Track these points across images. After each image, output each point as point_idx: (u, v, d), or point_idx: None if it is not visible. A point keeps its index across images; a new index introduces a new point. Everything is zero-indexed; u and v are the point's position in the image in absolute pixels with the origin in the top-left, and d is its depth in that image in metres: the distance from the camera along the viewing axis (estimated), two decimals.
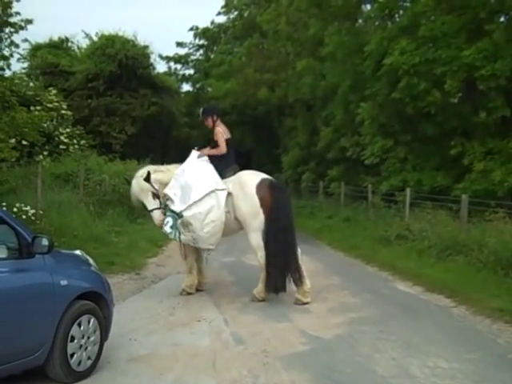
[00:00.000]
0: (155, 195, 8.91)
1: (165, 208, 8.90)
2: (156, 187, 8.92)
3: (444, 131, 16.97)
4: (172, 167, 9.24)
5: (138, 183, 9.06)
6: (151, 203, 8.97)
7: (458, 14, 15.88)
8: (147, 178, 8.87)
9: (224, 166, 8.97)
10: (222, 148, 9.01)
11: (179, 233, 8.62)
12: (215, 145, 9.14)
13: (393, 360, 5.85)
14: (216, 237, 8.63)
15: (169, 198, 8.72)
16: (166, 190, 8.75)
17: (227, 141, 9.11)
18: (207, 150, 9.12)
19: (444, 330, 7.09)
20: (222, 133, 9.08)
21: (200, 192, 8.50)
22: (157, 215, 8.97)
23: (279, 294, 8.46)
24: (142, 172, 9.12)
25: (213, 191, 8.55)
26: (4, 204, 10.44)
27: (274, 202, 8.41)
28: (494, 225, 11.29)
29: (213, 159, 9.01)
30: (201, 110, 9.67)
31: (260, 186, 8.51)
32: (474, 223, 12.16)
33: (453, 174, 16.27)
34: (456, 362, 5.78)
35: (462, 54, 14.71)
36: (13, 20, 14.52)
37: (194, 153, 9.16)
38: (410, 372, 5.49)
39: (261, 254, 8.44)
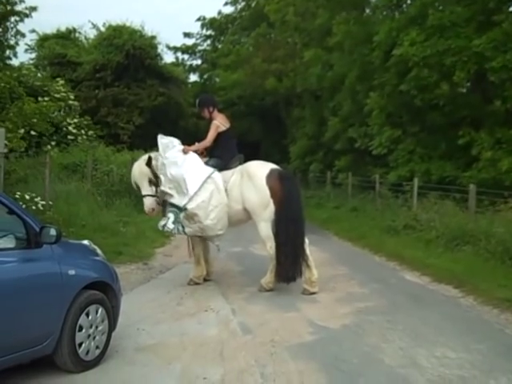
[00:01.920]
0: (152, 182, 8.88)
1: (159, 197, 8.90)
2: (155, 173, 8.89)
3: (452, 121, 16.88)
4: None
5: (138, 166, 9.06)
6: (146, 189, 8.95)
7: (467, 4, 15.76)
8: (148, 163, 8.89)
9: (229, 156, 8.96)
10: (207, 141, 8.98)
11: (183, 226, 8.58)
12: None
13: (400, 350, 5.84)
14: (222, 221, 8.58)
15: (167, 193, 8.69)
16: (162, 188, 8.71)
17: (227, 130, 9.08)
18: (194, 146, 9.03)
19: (452, 320, 7.08)
20: (216, 126, 8.97)
21: (197, 181, 8.43)
22: (148, 202, 8.95)
23: (287, 284, 8.44)
24: (146, 156, 9.13)
25: (208, 177, 8.53)
26: (18, 193, 10.46)
27: (284, 192, 8.36)
28: (501, 215, 11.25)
29: (215, 151, 8.99)
30: (197, 101, 9.54)
31: (270, 177, 8.45)
32: (481, 213, 12.12)
33: (460, 164, 16.20)
34: (464, 352, 5.77)
35: (472, 43, 14.58)
36: (17, 8, 14.55)
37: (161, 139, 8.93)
38: (417, 362, 5.48)
39: (270, 245, 8.41)
